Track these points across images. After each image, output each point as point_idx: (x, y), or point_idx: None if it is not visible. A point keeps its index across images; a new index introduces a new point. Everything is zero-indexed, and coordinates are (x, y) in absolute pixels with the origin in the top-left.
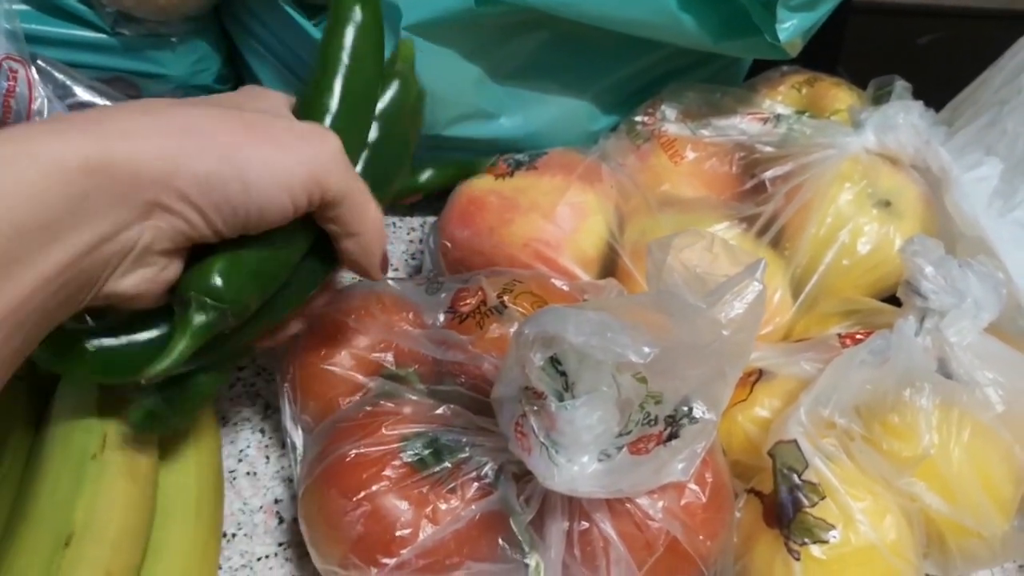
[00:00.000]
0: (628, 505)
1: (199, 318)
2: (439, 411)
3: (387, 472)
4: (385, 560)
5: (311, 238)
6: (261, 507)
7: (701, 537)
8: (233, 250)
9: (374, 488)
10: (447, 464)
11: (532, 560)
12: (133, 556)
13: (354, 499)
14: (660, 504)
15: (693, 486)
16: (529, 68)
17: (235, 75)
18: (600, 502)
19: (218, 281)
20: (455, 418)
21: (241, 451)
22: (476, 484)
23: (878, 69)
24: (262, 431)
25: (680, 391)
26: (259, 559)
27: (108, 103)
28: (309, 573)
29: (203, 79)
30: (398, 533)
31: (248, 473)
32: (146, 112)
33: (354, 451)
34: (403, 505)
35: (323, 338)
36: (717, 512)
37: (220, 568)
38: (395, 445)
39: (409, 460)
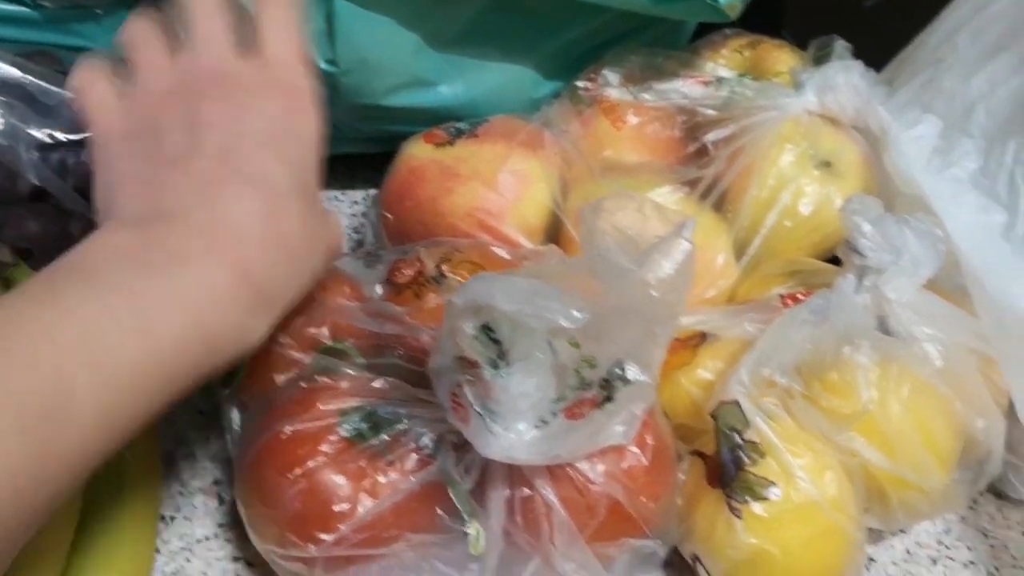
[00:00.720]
0: (569, 470)
1: None
2: (376, 384)
3: (324, 447)
4: (323, 536)
5: None
6: (200, 488)
7: (643, 499)
8: None
9: (310, 464)
10: (385, 437)
11: (472, 529)
12: (60, 531)
13: (290, 476)
14: (601, 468)
15: (634, 449)
16: (468, 35)
17: None
18: (540, 468)
19: None
20: (393, 391)
21: (179, 433)
22: (415, 455)
23: (823, 32)
24: (200, 412)
25: (613, 354)
26: (199, 541)
27: (30, 79)
28: (250, 554)
29: None
30: (336, 508)
31: (187, 455)
32: (259, 221)
33: (289, 428)
34: (340, 480)
35: None
36: (659, 474)
37: (158, 551)
38: (332, 420)
39: (346, 435)
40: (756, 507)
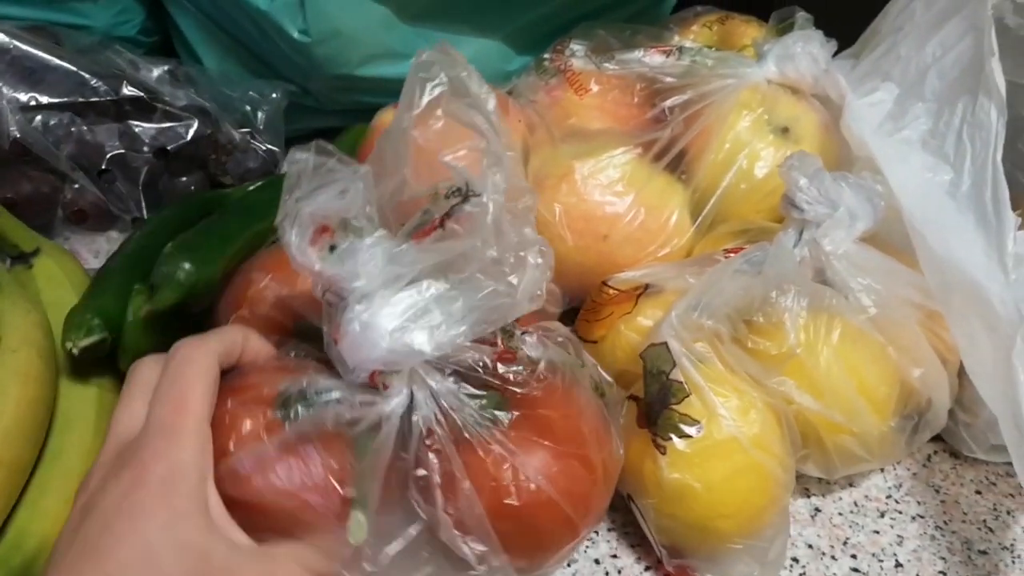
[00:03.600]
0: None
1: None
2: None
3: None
4: None
5: None
6: None
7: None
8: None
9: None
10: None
11: (353, 518)
12: (25, 451)
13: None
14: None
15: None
16: (439, 8)
17: (160, 28)
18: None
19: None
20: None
21: None
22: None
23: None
24: None
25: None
26: None
27: (24, 49)
28: None
29: (126, 31)
30: None
31: None
32: None
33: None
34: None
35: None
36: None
37: None
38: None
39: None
40: (679, 443)
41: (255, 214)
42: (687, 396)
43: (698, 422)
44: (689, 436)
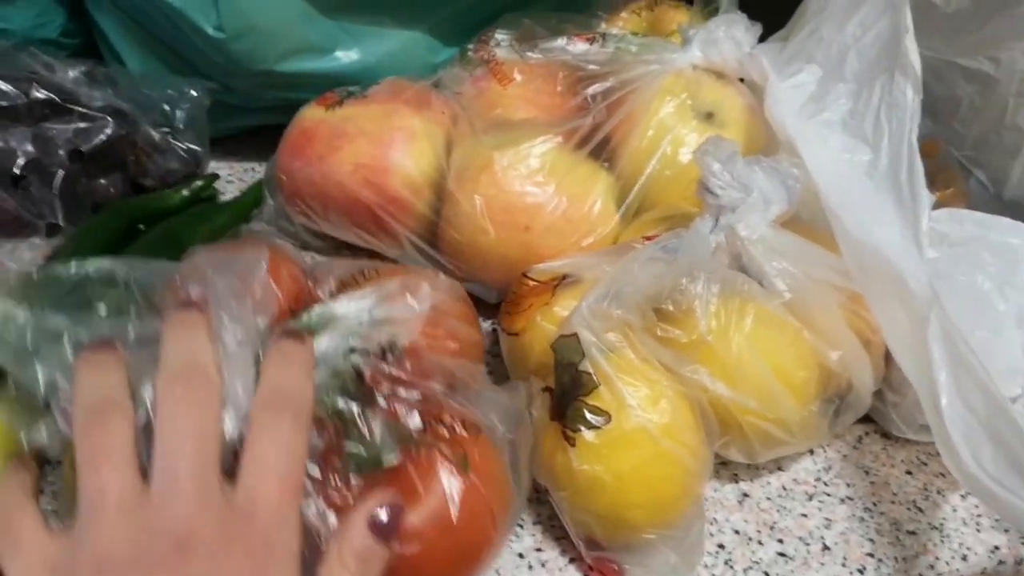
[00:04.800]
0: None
1: None
2: None
3: None
4: None
5: None
6: None
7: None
8: None
9: None
10: None
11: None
12: None
13: None
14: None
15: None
16: (359, 1)
17: (83, 29)
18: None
19: None
20: None
21: None
22: None
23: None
24: None
25: None
26: None
27: None
28: None
29: (46, 33)
30: None
31: None
32: None
33: None
34: None
35: None
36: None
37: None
38: None
39: None
40: (588, 435)
41: (181, 236)
42: (596, 387)
43: (606, 413)
44: (597, 427)
